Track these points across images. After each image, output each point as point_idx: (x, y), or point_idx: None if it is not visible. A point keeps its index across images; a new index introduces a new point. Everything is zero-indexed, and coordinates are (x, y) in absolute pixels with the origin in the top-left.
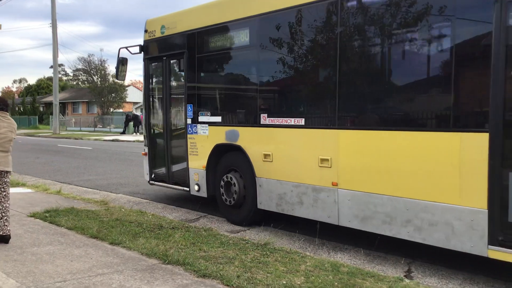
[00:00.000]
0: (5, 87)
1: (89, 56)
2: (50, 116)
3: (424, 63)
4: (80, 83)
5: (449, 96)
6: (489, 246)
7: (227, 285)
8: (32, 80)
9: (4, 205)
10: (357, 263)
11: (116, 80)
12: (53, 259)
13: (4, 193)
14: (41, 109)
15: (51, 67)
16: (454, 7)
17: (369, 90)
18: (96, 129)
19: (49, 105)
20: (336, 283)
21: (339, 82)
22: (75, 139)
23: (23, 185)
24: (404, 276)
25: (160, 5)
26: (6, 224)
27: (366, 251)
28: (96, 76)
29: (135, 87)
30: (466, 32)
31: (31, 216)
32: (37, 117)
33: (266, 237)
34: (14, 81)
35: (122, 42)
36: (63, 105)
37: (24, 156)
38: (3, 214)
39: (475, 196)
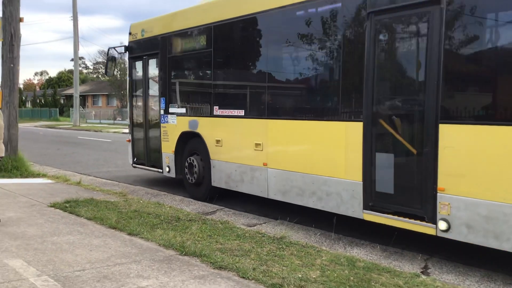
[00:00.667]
0: (27, 80)
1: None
2: (71, 108)
3: (322, 73)
4: (100, 76)
5: (338, 94)
6: (363, 210)
7: (243, 277)
8: (53, 73)
9: None
10: (373, 258)
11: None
12: (73, 248)
13: None
14: (62, 101)
15: (72, 60)
16: (339, 25)
17: (287, 88)
18: (115, 121)
19: (69, 97)
20: (351, 278)
21: (268, 82)
22: (95, 131)
23: (44, 175)
24: (421, 272)
25: None
26: None
27: (382, 246)
28: (116, 69)
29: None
30: (349, 46)
31: (51, 206)
32: (57, 109)
33: (282, 231)
34: (36, 74)
35: None
36: (83, 98)
37: (45, 147)
38: None
39: (355, 172)
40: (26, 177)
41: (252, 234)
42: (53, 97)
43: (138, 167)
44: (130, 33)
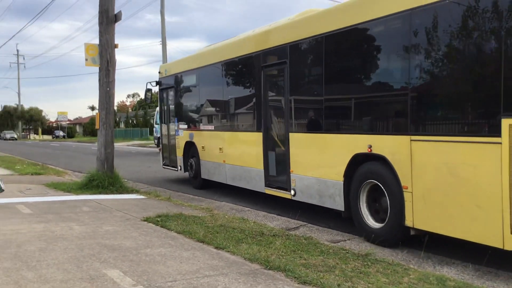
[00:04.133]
0: (120, 102)
1: None
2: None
3: (246, 103)
4: None
5: (253, 116)
6: (265, 187)
7: None
8: (143, 95)
9: None
10: (465, 278)
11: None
12: (165, 260)
13: None
14: (152, 121)
15: None
16: (250, 72)
17: (230, 114)
18: None
19: None
20: None
21: (222, 109)
22: None
23: (137, 191)
24: None
25: (259, 18)
26: None
27: (475, 266)
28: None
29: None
30: (254, 88)
31: (144, 220)
32: (148, 129)
33: (367, 248)
34: (128, 96)
35: None
36: None
37: (137, 165)
38: None
39: (260, 163)
40: (121, 193)
41: (336, 250)
42: (144, 118)
43: (165, 168)
44: (159, 72)
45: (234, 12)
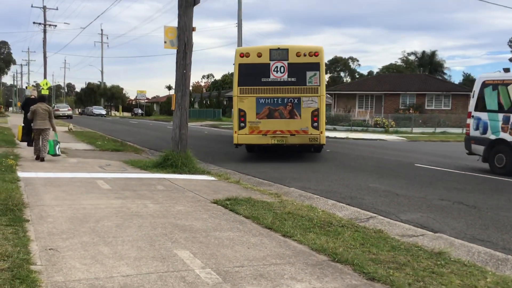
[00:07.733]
0: (195, 82)
1: None
2: (232, 109)
3: None
4: None
5: None
6: None
7: None
8: (218, 76)
9: (45, 144)
10: None
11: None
12: (233, 244)
13: (46, 138)
14: (225, 102)
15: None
16: None
17: None
18: None
19: (231, 99)
20: None
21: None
22: None
23: (208, 173)
24: None
25: (336, 2)
26: (44, 153)
27: None
28: None
29: None
30: None
31: (214, 203)
32: (221, 110)
33: (441, 246)
34: (203, 77)
35: (298, 39)
36: None
37: (208, 145)
38: (43, 148)
39: None
40: (193, 173)
41: (408, 246)
42: (217, 99)
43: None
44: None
45: None
